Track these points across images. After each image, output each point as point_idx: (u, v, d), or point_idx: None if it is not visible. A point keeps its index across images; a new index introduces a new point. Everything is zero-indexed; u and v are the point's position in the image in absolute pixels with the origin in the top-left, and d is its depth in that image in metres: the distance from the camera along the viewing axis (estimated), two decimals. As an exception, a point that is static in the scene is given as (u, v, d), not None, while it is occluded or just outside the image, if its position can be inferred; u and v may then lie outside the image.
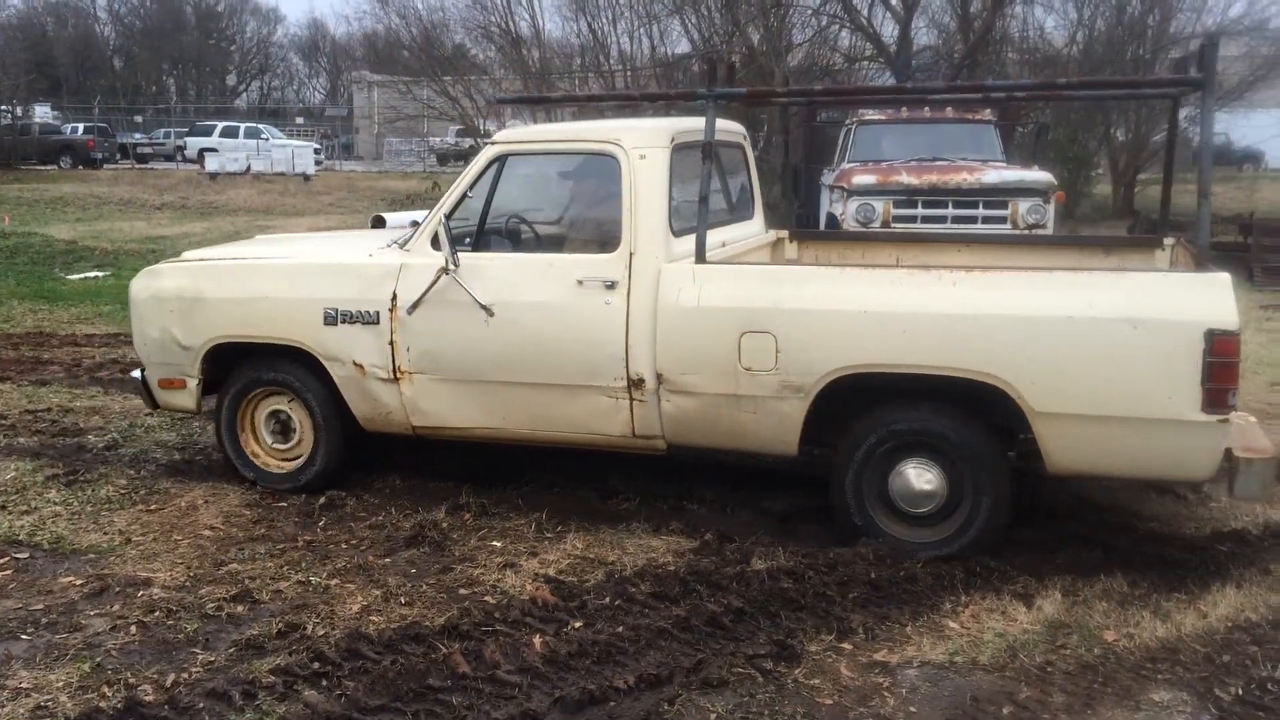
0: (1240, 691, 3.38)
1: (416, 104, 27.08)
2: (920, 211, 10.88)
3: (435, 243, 4.96)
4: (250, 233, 20.23)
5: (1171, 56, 24.24)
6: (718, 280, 4.63)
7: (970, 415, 4.43)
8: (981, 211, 10.80)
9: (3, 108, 37.63)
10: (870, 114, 12.49)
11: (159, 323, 5.45)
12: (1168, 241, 5.63)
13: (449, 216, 4.93)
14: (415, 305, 4.97)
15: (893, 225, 10.77)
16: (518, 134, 5.24)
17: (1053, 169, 21.00)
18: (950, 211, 10.84)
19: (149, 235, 20.02)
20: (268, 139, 36.98)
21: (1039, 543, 4.62)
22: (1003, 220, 10.74)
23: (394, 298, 5.02)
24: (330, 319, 5.13)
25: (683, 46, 24.10)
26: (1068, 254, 5.93)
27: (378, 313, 5.04)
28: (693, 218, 4.78)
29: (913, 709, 3.32)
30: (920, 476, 4.49)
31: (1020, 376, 4.20)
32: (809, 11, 20.49)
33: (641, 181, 4.76)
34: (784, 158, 15.55)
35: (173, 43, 65.19)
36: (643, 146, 4.80)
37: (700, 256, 4.70)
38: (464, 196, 5.04)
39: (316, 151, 37.86)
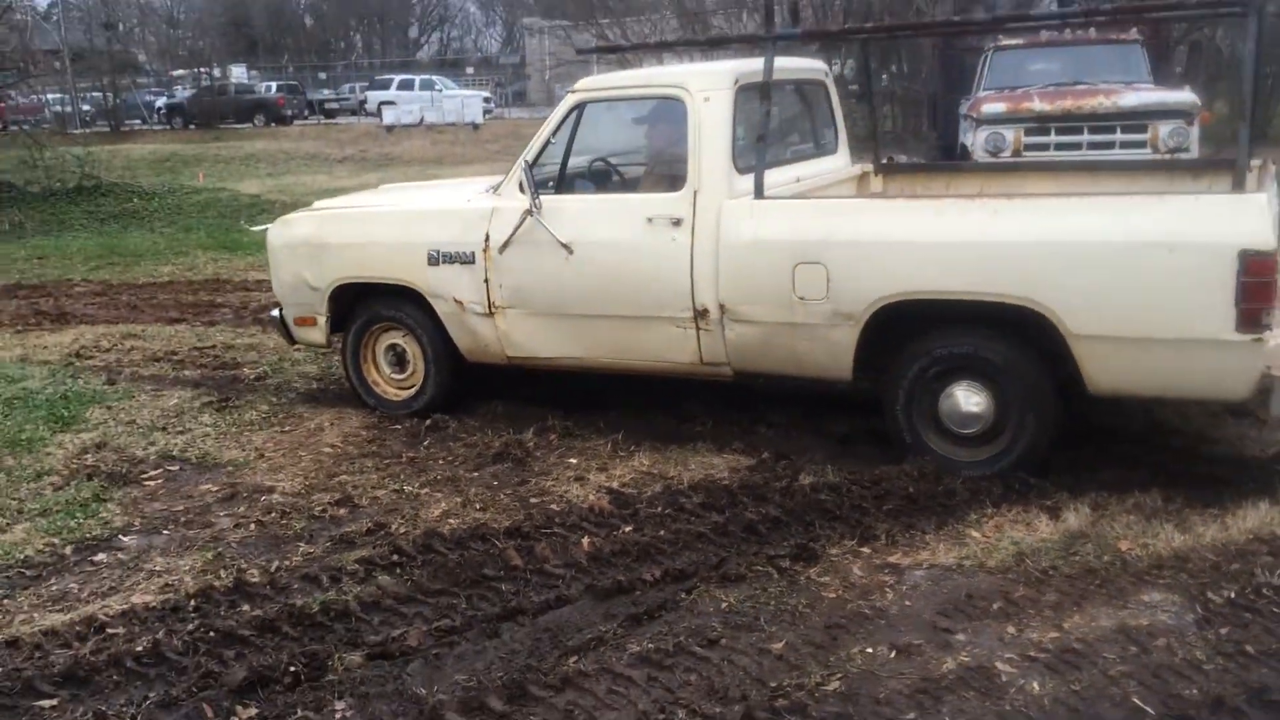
0: (1233, 595, 3.52)
1: (574, 49, 27.59)
2: (1053, 139, 10.69)
3: (522, 187, 5.42)
4: (422, 182, 21.37)
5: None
6: (773, 215, 4.92)
7: (1015, 339, 4.60)
8: (1119, 137, 10.52)
9: (202, 70, 40.46)
10: (1008, 39, 12.22)
11: (292, 267, 6.14)
12: (1254, 163, 5.52)
13: (532, 163, 5.37)
14: (505, 245, 5.45)
15: (1024, 154, 10.64)
16: (595, 81, 5.60)
17: (1233, 87, 19.67)
18: (1085, 138, 10.61)
19: (328, 188, 21.32)
20: (441, 90, 38.39)
21: (1091, 463, 4.76)
22: (1142, 145, 10.43)
23: (487, 239, 5.51)
24: (433, 259, 5.67)
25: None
26: (1159, 178, 5.88)
27: (473, 253, 5.55)
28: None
29: (908, 603, 3.62)
30: (968, 399, 4.70)
31: (1057, 301, 4.35)
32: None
33: (706, 122, 5.06)
34: (931, 89, 15.34)
35: (358, -1, 67.86)
36: (707, 89, 5.10)
37: (759, 193, 4.98)
38: (547, 143, 5.46)
39: (486, 100, 39.07)
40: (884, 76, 23.90)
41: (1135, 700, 3.00)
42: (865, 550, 4.04)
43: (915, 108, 18.89)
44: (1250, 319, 4.05)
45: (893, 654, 3.31)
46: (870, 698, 3.09)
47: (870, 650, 3.34)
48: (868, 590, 3.73)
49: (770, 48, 5.01)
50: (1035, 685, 3.10)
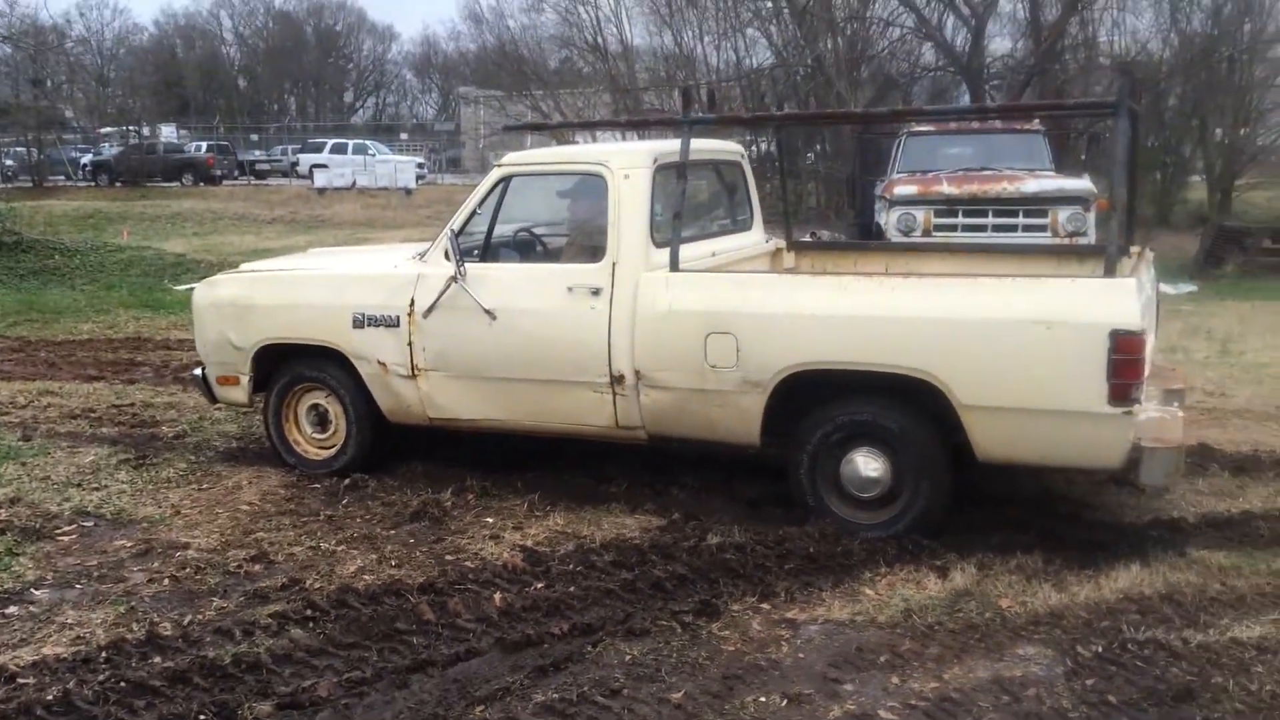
0: (1101, 649, 3.78)
1: (507, 120, 28.10)
2: (961, 220, 11.22)
3: (448, 255, 5.61)
4: (351, 245, 21.45)
5: (1271, 56, 23.82)
6: (687, 287, 5.17)
7: (911, 408, 4.88)
8: (1022, 220, 11.09)
9: (131, 128, 40.18)
10: (920, 125, 12.83)
11: (217, 326, 6.24)
12: (1134, 249, 5.95)
13: (458, 232, 5.58)
14: (429, 310, 5.62)
15: (933, 234, 11.15)
16: (521, 156, 5.85)
17: (1143, 176, 20.79)
18: (991, 221, 11.16)
19: (256, 249, 21.31)
20: (374, 154, 38.62)
21: (982, 526, 5.03)
22: (1043, 229, 11.01)
23: (412, 304, 5.68)
24: (358, 322, 5.82)
25: (768, 56, 24.61)
26: (1049, 262, 6.28)
27: (398, 317, 5.71)
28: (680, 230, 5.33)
29: (801, 655, 3.82)
30: (867, 464, 4.96)
31: (949, 373, 4.65)
32: (882, 24, 20.78)
33: (625, 198, 5.33)
34: (850, 171, 16.04)
35: (293, 62, 68.13)
36: (627, 167, 5.38)
37: (674, 265, 5.24)
38: (473, 213, 5.68)
39: (420, 166, 39.34)
40: (810, 156, 24.77)
41: (1005, 745, 3.22)
42: (765, 606, 4.24)
43: (839, 186, 19.58)
44: (1120, 393, 4.38)
45: (784, 702, 3.50)
46: (760, 743, 3.26)
47: (764, 699, 3.52)
48: (765, 644, 3.92)
49: (686, 131, 5.31)
50: (914, 731, 3.30)
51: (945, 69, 21.03)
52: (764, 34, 22.18)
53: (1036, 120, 12.54)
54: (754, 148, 22.41)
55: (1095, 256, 6.19)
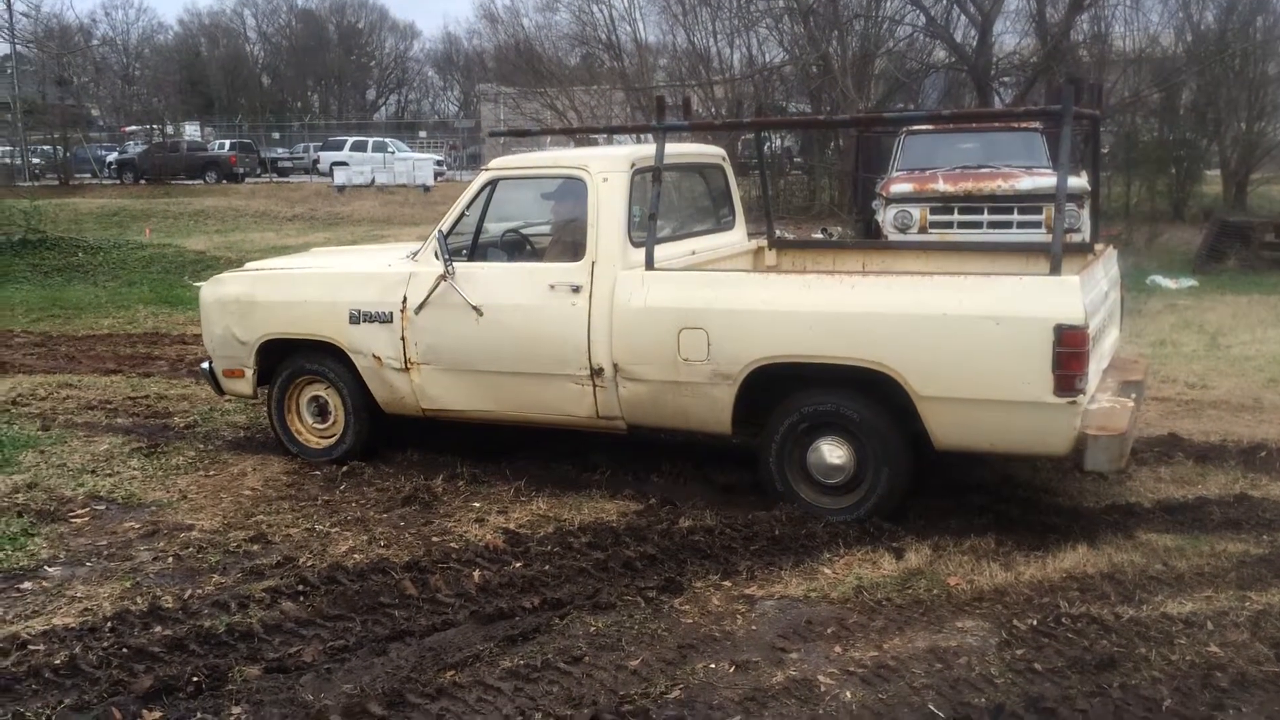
0: (1035, 623, 4.03)
1: (523, 117, 28.44)
2: (956, 218, 11.40)
3: (437, 254, 5.91)
4: (368, 242, 21.80)
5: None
6: (661, 284, 5.45)
7: (872, 399, 5.14)
8: (1016, 217, 11.25)
9: (156, 127, 40.79)
10: (919, 125, 13.02)
11: (222, 322, 6.56)
12: (1099, 247, 6.19)
13: (447, 233, 5.88)
14: (420, 306, 5.92)
15: (929, 231, 11.35)
16: (506, 160, 6.14)
17: (1154, 171, 20.74)
18: (986, 217, 11.32)
19: (275, 245, 21.69)
20: (394, 152, 39.03)
21: (942, 511, 5.28)
22: (1037, 225, 11.17)
23: (404, 300, 5.98)
24: (355, 318, 6.13)
25: (779, 53, 24.85)
26: (1017, 259, 6.50)
27: (391, 313, 6.02)
28: (658, 230, 5.60)
29: (754, 628, 4.09)
30: (832, 452, 5.23)
31: (906, 365, 4.91)
32: (891, 23, 20.95)
33: (604, 201, 5.61)
34: (854, 168, 16.28)
35: (316, 60, 68.82)
36: (606, 171, 5.66)
37: (649, 264, 5.51)
38: (462, 215, 5.98)
39: (439, 163, 39.74)
40: (828, 151, 24.98)
41: (930, 707, 3.48)
42: (726, 584, 4.51)
43: (844, 184, 19.82)
44: (1065, 384, 4.62)
45: (732, 669, 3.77)
46: (705, 704, 3.54)
47: (713, 666, 3.80)
48: (721, 617, 4.20)
49: (661, 136, 5.59)
50: (848, 694, 3.57)
51: (955, 67, 21.18)
52: (774, 32, 22.40)
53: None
54: (770, 144, 22.66)
55: (1074, 254, 6.43)
